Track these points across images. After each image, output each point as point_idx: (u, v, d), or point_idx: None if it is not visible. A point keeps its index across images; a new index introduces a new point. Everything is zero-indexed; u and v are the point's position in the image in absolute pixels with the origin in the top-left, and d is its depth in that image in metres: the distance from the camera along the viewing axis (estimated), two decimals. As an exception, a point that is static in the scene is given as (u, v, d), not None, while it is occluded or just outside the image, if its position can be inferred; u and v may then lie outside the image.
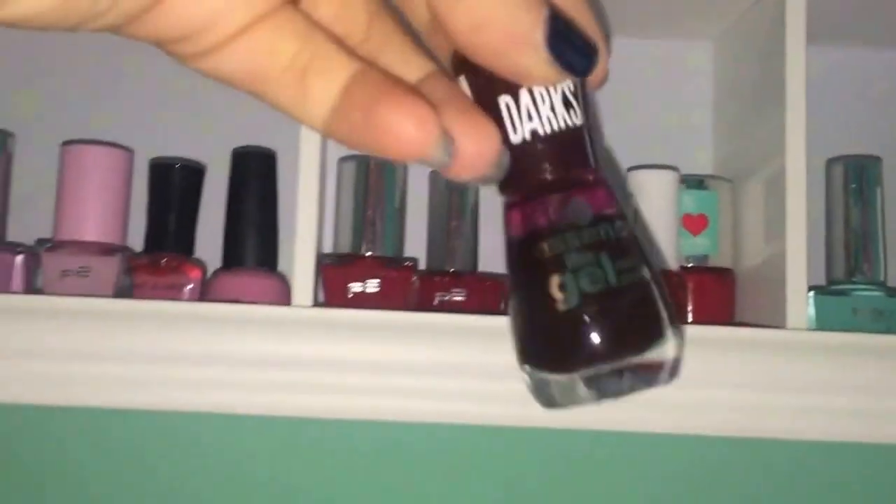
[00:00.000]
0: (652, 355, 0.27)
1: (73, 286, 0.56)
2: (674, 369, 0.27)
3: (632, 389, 0.27)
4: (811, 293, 0.57)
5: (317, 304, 0.55)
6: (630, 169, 0.59)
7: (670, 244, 0.57)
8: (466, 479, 0.59)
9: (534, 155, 0.27)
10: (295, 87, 0.25)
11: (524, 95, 0.27)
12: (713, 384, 0.55)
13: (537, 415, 0.54)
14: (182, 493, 0.57)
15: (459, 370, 0.53)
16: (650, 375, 0.27)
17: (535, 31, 0.25)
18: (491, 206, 0.62)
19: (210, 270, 0.59)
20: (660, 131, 0.65)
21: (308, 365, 0.54)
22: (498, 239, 0.62)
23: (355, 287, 0.56)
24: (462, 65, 0.27)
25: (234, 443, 0.57)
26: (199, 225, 0.58)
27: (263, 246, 0.57)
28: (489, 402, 0.54)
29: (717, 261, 0.59)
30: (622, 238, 0.27)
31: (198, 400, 0.55)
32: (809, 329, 0.55)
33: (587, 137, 0.28)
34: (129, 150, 0.58)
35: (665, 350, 0.27)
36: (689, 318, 0.57)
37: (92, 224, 0.56)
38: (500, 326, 0.53)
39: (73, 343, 0.54)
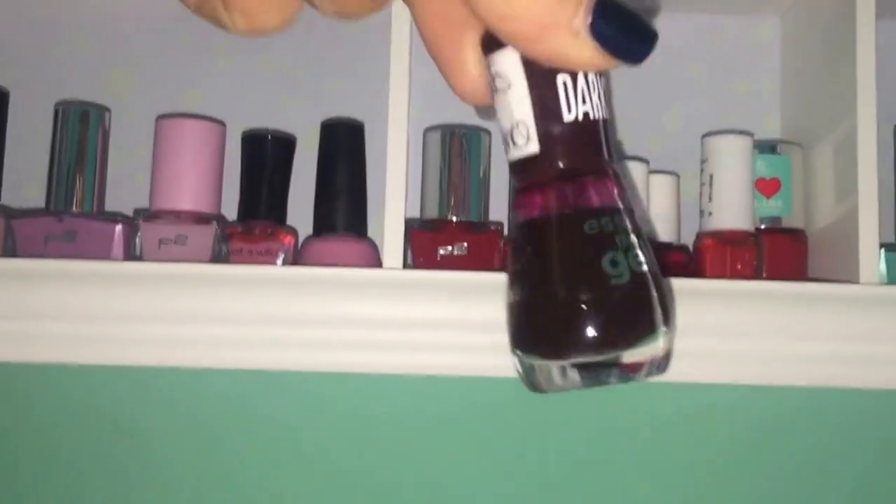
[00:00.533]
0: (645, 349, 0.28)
1: (171, 254, 0.58)
2: (662, 364, 0.28)
3: (617, 379, 0.28)
4: (882, 250, 0.59)
5: (406, 266, 0.58)
6: (705, 135, 0.60)
7: (744, 205, 0.59)
8: (548, 433, 0.61)
9: (583, 135, 0.28)
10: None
11: (581, 77, 0.27)
12: (789, 337, 0.57)
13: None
14: (296, 452, 0.59)
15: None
16: (637, 368, 0.28)
17: (573, 18, 0.25)
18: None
19: (301, 238, 0.61)
20: (730, 102, 0.66)
21: (400, 325, 0.56)
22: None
23: (443, 251, 0.58)
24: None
25: (330, 401, 0.59)
26: (290, 194, 0.61)
27: (353, 213, 0.60)
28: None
29: (789, 222, 0.61)
30: (641, 231, 0.28)
31: (294, 360, 0.57)
32: (882, 284, 0.57)
33: (610, 134, 0.29)
34: (221, 123, 0.60)
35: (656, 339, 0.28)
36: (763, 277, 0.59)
37: (187, 194, 0.59)
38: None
39: (173, 307, 0.56)
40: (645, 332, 0.28)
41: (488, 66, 0.28)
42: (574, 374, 0.28)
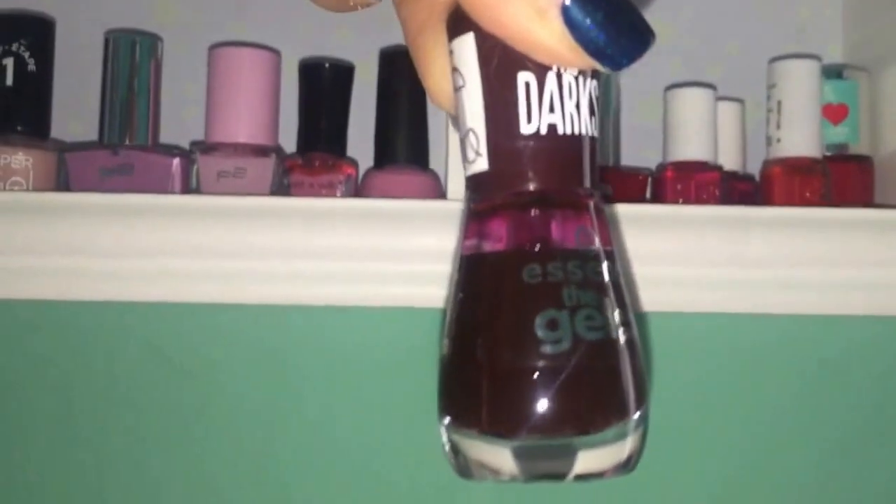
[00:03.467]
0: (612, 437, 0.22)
1: (230, 187, 0.57)
2: (630, 460, 0.23)
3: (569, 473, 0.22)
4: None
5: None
6: (772, 60, 0.59)
7: (813, 132, 0.58)
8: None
9: (544, 154, 0.22)
10: None
11: (551, 80, 0.21)
12: (854, 264, 0.56)
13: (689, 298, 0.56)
14: (349, 391, 0.59)
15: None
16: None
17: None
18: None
19: (362, 170, 0.60)
20: (792, 26, 0.65)
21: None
22: (638, 131, 0.63)
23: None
24: (465, 22, 0.22)
25: (397, 337, 0.59)
26: (349, 125, 0.59)
27: (414, 144, 0.58)
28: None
29: (856, 149, 0.60)
30: (620, 284, 0.23)
31: (358, 294, 0.56)
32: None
33: (597, 154, 0.23)
34: (276, 52, 0.59)
35: (624, 434, 0.22)
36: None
37: (245, 126, 0.57)
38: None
39: (235, 242, 0.55)
40: (591, 420, 0.22)
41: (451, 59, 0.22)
42: (507, 459, 0.22)
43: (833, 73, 0.60)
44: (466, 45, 0.22)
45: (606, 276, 0.22)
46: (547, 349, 0.21)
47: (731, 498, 0.59)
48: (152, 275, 0.56)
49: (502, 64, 0.21)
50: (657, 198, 0.59)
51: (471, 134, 0.22)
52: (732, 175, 0.59)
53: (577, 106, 0.22)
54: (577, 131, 0.22)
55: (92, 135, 0.58)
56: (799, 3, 0.65)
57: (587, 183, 0.22)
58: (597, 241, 0.22)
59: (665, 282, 0.55)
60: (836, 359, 0.58)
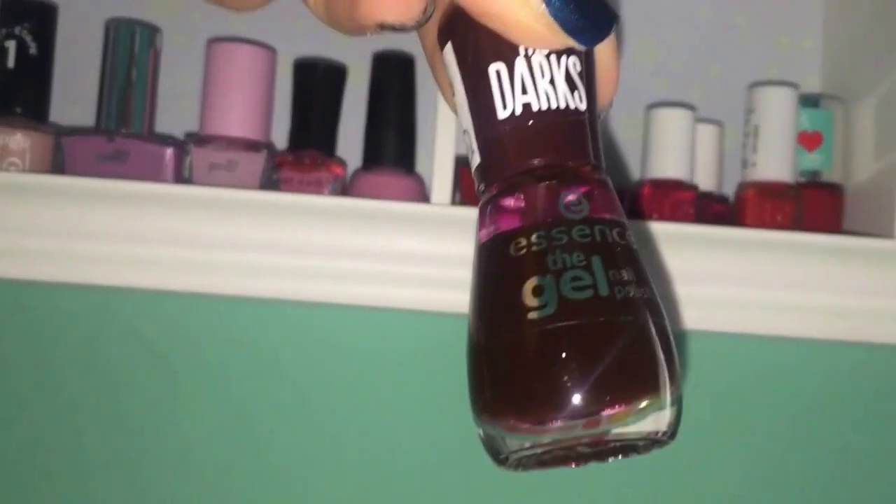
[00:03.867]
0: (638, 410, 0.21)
1: (221, 179, 0.58)
2: (667, 433, 0.22)
3: (602, 455, 0.22)
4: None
5: (454, 203, 0.58)
6: (752, 86, 0.61)
7: (788, 158, 0.60)
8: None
9: (524, 134, 0.22)
10: None
11: (520, 64, 0.22)
12: (821, 289, 0.58)
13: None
14: (326, 387, 0.60)
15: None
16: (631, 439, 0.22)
17: None
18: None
19: (350, 170, 0.61)
20: (772, 53, 0.67)
21: (445, 261, 0.57)
22: (619, 146, 0.64)
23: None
24: (450, 28, 0.23)
25: (370, 337, 0.60)
26: (340, 126, 0.61)
27: (402, 147, 0.60)
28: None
29: (829, 176, 0.62)
30: (623, 246, 0.22)
31: (336, 292, 0.58)
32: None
33: (589, 128, 0.23)
34: (272, 50, 0.60)
35: (659, 407, 0.22)
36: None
37: (239, 121, 0.59)
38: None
39: (223, 233, 0.57)
40: (599, 392, 0.21)
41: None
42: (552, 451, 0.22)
43: (810, 101, 0.62)
44: (449, 54, 0.23)
45: (599, 238, 0.22)
46: (534, 315, 0.21)
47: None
48: (140, 261, 0.57)
49: (475, 61, 0.23)
50: (633, 213, 0.61)
51: (465, 135, 0.23)
52: (707, 195, 0.61)
53: (552, 82, 0.22)
54: (553, 105, 0.22)
55: (89, 120, 0.60)
56: (780, 32, 0.67)
57: (578, 153, 0.23)
58: (587, 206, 0.22)
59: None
60: (793, 381, 0.60)
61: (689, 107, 0.61)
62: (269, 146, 0.60)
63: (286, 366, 0.60)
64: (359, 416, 0.60)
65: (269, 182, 0.59)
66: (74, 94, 0.62)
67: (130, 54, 0.59)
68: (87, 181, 0.56)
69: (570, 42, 0.22)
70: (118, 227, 0.57)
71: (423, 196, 0.60)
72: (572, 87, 0.23)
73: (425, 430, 0.60)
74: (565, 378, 0.21)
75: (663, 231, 0.57)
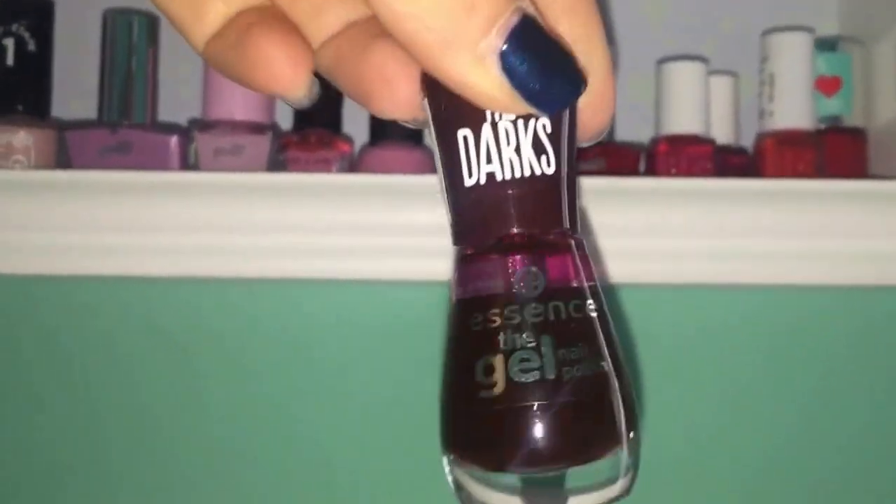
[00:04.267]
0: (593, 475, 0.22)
1: (228, 163, 0.58)
2: (624, 487, 0.23)
3: None
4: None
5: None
6: (765, 32, 0.59)
7: (806, 104, 0.58)
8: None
9: (486, 203, 0.22)
10: (190, 3, 0.23)
11: (486, 130, 0.22)
12: (847, 235, 0.56)
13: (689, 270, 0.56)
14: (345, 363, 0.60)
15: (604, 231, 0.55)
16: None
17: (479, 38, 0.20)
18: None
19: (357, 146, 0.60)
20: (784, 1, 0.65)
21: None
22: (631, 106, 0.63)
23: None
24: (424, 85, 0.22)
25: (387, 311, 0.59)
26: (345, 102, 0.60)
27: (408, 120, 0.59)
28: (635, 260, 0.56)
29: (850, 121, 0.60)
30: (579, 321, 0.23)
31: (352, 268, 0.57)
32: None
33: (561, 190, 0.23)
34: (271, 30, 0.59)
35: (608, 477, 0.22)
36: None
37: (242, 104, 0.58)
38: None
39: (232, 217, 0.56)
40: (612, 439, 0.22)
41: None
42: (514, 497, 0.23)
43: (827, 45, 0.60)
44: (425, 110, 0.23)
45: (552, 316, 0.22)
46: (482, 394, 0.22)
47: (702, 472, 0.60)
48: (151, 250, 0.57)
49: (445, 124, 0.22)
50: (650, 171, 0.59)
51: (440, 195, 0.23)
52: (725, 148, 0.59)
53: (518, 149, 0.22)
54: (518, 174, 0.22)
55: (91, 114, 0.59)
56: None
57: (544, 220, 0.22)
58: (544, 282, 0.22)
59: (656, 254, 0.56)
60: (826, 328, 0.59)
61: (701, 59, 0.59)
62: (273, 127, 0.59)
63: (304, 344, 0.59)
64: (380, 392, 0.59)
65: (276, 163, 0.58)
66: (75, 88, 0.62)
67: (129, 44, 0.58)
68: (93, 174, 0.56)
69: (531, 110, 0.21)
70: (127, 217, 0.56)
71: (432, 168, 0.59)
72: (540, 151, 0.22)
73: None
74: (508, 455, 0.22)
75: (682, 187, 0.55)
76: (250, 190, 0.56)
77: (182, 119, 0.62)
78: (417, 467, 0.59)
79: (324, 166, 0.58)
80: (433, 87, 0.22)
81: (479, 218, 0.22)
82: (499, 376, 0.22)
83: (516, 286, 0.22)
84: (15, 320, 0.59)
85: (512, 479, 0.22)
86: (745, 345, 0.59)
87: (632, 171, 0.59)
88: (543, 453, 0.22)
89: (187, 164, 0.58)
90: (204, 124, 0.58)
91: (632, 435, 0.23)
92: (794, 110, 0.58)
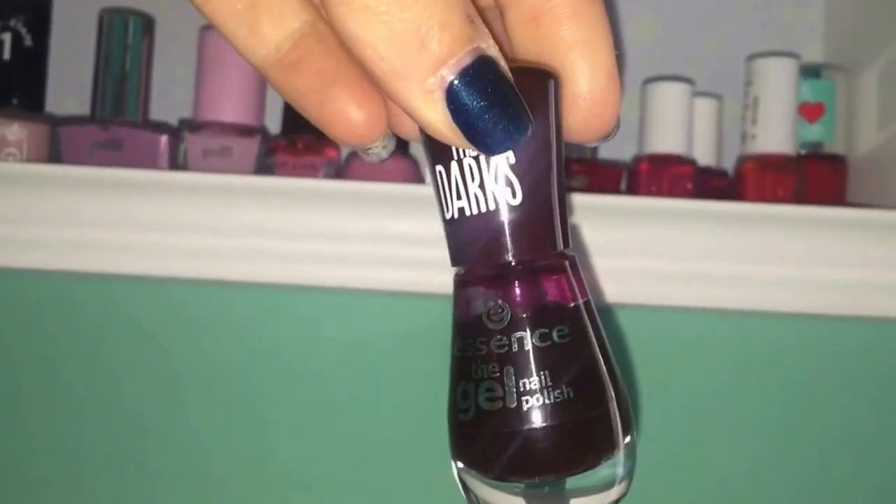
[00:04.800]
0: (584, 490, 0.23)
1: (216, 165, 0.59)
2: (624, 481, 0.24)
3: None
4: (923, 180, 0.59)
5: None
6: (750, 57, 0.60)
7: (788, 129, 0.59)
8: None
9: (461, 236, 0.23)
10: (242, 16, 0.24)
11: (454, 167, 0.23)
12: (823, 263, 0.57)
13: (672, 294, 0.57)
14: (328, 371, 0.60)
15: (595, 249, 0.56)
16: None
17: (427, 74, 0.21)
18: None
19: (344, 153, 0.61)
20: (774, 25, 0.66)
21: (443, 242, 0.57)
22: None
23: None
24: None
25: (368, 320, 0.60)
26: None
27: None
28: (630, 281, 0.56)
29: (831, 148, 0.61)
30: (542, 350, 0.23)
31: (334, 275, 0.58)
32: (922, 213, 0.57)
33: (530, 218, 0.23)
34: (265, 35, 0.60)
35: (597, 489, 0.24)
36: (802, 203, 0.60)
37: (232, 107, 0.59)
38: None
39: (219, 218, 0.57)
40: (608, 446, 0.23)
41: None
42: (519, 498, 0.24)
43: (811, 72, 0.61)
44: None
45: (515, 347, 0.23)
46: (461, 417, 0.23)
47: (696, 489, 0.60)
48: (138, 248, 0.57)
49: (427, 158, 0.23)
50: (632, 190, 0.60)
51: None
52: (706, 170, 0.60)
53: (482, 185, 0.23)
54: (483, 209, 0.23)
55: (84, 110, 0.60)
56: (781, 2, 0.66)
57: (513, 249, 0.23)
58: (509, 313, 0.23)
59: (636, 274, 0.57)
60: (797, 355, 0.59)
61: (687, 81, 0.60)
62: (262, 131, 0.60)
63: (285, 350, 0.60)
64: (364, 401, 0.60)
65: (264, 166, 0.59)
66: (69, 84, 0.63)
67: (124, 43, 0.59)
68: (83, 169, 0.57)
69: (472, 148, 0.22)
70: (115, 214, 0.57)
71: (417, 177, 0.60)
72: (505, 184, 0.23)
73: (432, 413, 0.60)
74: (498, 468, 0.23)
75: (661, 207, 0.56)
76: (237, 192, 0.57)
77: (173, 119, 0.63)
78: (402, 468, 0.60)
79: (311, 171, 0.59)
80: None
81: (458, 247, 0.24)
82: (471, 403, 0.23)
83: (484, 318, 0.23)
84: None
85: (513, 484, 0.24)
86: (715, 368, 0.60)
87: (614, 189, 0.60)
88: (518, 471, 0.23)
89: (176, 163, 0.59)
90: (194, 125, 0.59)
91: (629, 439, 0.24)
92: (776, 135, 0.59)
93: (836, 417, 0.60)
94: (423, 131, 0.23)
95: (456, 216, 0.23)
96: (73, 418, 0.60)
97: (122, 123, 0.59)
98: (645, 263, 0.56)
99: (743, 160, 0.60)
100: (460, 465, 0.25)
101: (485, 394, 0.23)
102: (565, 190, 0.24)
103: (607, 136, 0.25)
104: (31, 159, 0.58)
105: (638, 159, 0.60)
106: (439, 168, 0.23)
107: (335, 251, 0.57)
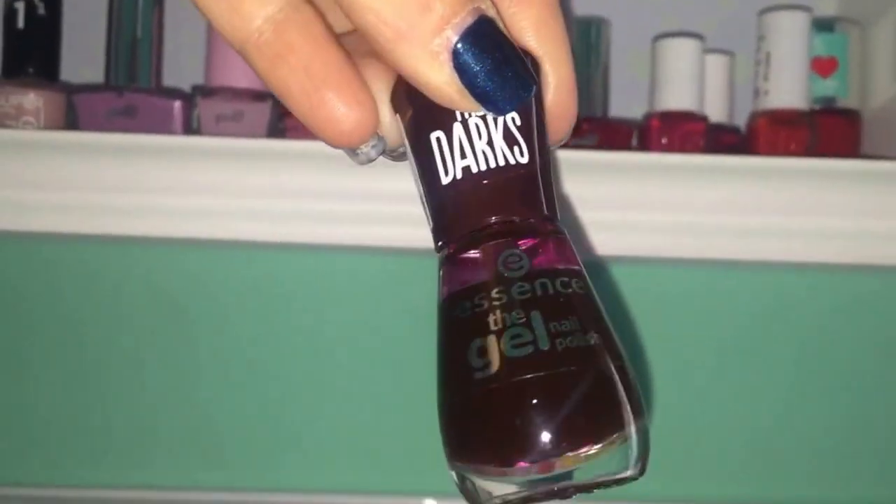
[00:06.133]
0: (601, 450, 0.22)
1: (229, 129, 0.59)
2: (638, 466, 0.23)
3: (577, 490, 0.22)
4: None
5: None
6: (762, 12, 0.60)
7: (801, 84, 0.59)
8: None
9: (465, 197, 0.23)
10: None
11: (457, 129, 0.23)
12: (838, 214, 0.56)
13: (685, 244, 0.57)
14: (345, 333, 0.61)
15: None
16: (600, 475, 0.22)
17: (432, 36, 0.21)
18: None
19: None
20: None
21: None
22: (627, 83, 0.63)
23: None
24: (396, 101, 0.23)
25: (385, 278, 0.61)
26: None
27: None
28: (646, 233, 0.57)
29: (845, 102, 0.60)
30: (566, 296, 0.23)
31: (351, 234, 0.58)
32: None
33: (537, 178, 0.23)
34: None
35: (621, 449, 0.22)
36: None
37: (243, 71, 0.59)
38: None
39: (232, 181, 0.58)
40: (618, 426, 0.22)
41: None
42: (521, 490, 0.22)
43: (824, 26, 0.60)
44: (399, 125, 0.23)
45: (539, 292, 0.23)
46: (477, 375, 0.22)
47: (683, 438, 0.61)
48: (154, 211, 0.58)
49: (417, 130, 0.23)
50: (643, 147, 0.60)
51: (420, 201, 0.24)
52: (718, 126, 0.60)
53: (490, 142, 0.23)
54: (493, 165, 0.23)
55: (98, 78, 0.61)
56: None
57: (523, 207, 0.23)
58: (528, 262, 0.23)
59: (645, 227, 0.57)
60: (813, 305, 0.59)
61: (698, 37, 0.60)
62: (274, 96, 0.60)
63: (300, 309, 0.61)
64: (369, 355, 0.61)
65: (276, 130, 0.60)
66: (83, 52, 0.63)
67: (135, 11, 0.60)
68: (99, 136, 0.58)
69: (480, 108, 0.22)
70: (131, 179, 0.58)
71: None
72: (512, 142, 0.23)
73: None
74: (515, 432, 0.22)
75: (672, 163, 0.56)
76: (251, 155, 0.57)
77: (185, 85, 0.63)
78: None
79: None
80: (403, 97, 0.23)
81: (459, 211, 0.23)
82: (493, 355, 0.22)
83: (500, 268, 0.23)
84: (21, 272, 0.61)
85: (515, 480, 0.22)
86: (730, 320, 0.60)
87: (624, 147, 0.60)
88: (548, 433, 0.22)
89: (190, 128, 0.60)
90: (206, 91, 0.59)
91: (638, 415, 0.23)
92: (788, 90, 0.58)
93: (855, 367, 0.60)
94: (402, 111, 0.23)
95: (459, 175, 0.23)
96: (88, 381, 0.61)
97: (135, 90, 0.60)
98: (656, 218, 0.56)
99: (755, 116, 0.59)
100: (463, 461, 0.23)
101: (511, 341, 0.22)
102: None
103: (563, 140, 0.25)
104: (47, 127, 0.59)
105: (649, 116, 0.60)
106: (436, 134, 0.23)
107: (352, 211, 0.58)
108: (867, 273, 0.59)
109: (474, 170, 0.23)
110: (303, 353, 0.61)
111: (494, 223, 0.23)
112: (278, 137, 0.59)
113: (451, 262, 0.24)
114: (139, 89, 0.60)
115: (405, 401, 0.60)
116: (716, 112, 0.60)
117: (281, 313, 0.61)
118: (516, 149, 0.23)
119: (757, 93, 0.59)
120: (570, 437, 0.22)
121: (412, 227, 0.59)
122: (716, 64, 0.60)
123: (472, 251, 0.23)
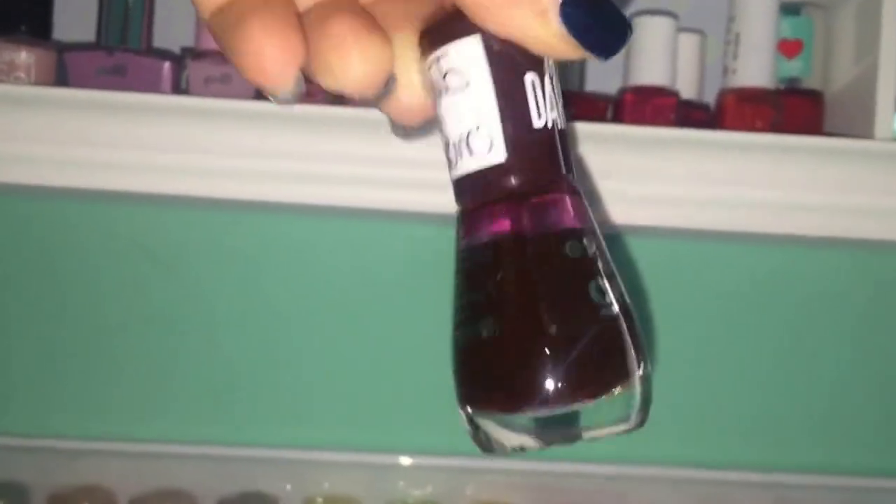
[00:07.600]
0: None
1: (216, 92, 0.61)
2: (641, 412, 0.24)
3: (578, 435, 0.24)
4: (896, 112, 0.61)
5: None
6: (732, -7, 0.62)
7: (767, 64, 0.61)
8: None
9: (548, 145, 0.24)
10: None
11: (547, 81, 0.24)
12: (800, 188, 0.59)
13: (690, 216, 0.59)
14: (350, 294, 0.63)
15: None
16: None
17: None
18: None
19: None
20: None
21: (438, 164, 0.59)
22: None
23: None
24: (431, 40, 0.24)
25: (369, 240, 0.63)
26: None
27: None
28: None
29: (809, 83, 0.63)
30: (601, 251, 0.25)
31: (333, 195, 0.60)
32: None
33: (567, 140, 0.25)
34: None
35: (628, 396, 0.24)
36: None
37: (233, 35, 0.61)
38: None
39: (219, 140, 0.59)
40: (623, 373, 0.24)
41: (431, 66, 0.24)
42: (530, 436, 0.24)
43: (791, 9, 0.63)
44: (470, 50, 0.24)
45: (595, 248, 0.25)
46: (603, 312, 0.23)
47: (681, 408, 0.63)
48: (141, 168, 0.60)
49: (511, 66, 0.24)
50: (617, 120, 0.62)
51: (480, 129, 0.24)
52: (688, 103, 0.63)
53: (556, 99, 0.25)
54: (561, 125, 0.24)
55: (90, 37, 0.63)
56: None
57: (566, 166, 0.25)
58: (594, 221, 0.25)
59: (618, 196, 0.59)
60: (770, 276, 0.62)
61: (670, 14, 0.62)
62: (262, 59, 0.62)
63: (282, 268, 0.63)
64: (366, 315, 0.62)
65: (263, 94, 0.61)
66: (75, 12, 0.65)
67: (129, -28, 0.61)
68: (89, 93, 0.59)
69: (587, 57, 0.24)
70: (119, 136, 0.59)
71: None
72: (554, 104, 0.25)
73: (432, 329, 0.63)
74: (527, 392, 0.23)
75: (643, 135, 0.58)
76: (237, 116, 0.59)
77: (175, 47, 0.65)
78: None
79: (309, 98, 0.61)
80: (450, 39, 0.24)
81: (544, 157, 0.24)
82: (611, 297, 0.24)
83: (582, 220, 0.24)
84: (9, 224, 0.63)
85: (526, 419, 0.23)
86: (692, 291, 0.62)
87: (599, 120, 0.63)
88: (613, 372, 0.24)
89: (179, 89, 0.61)
90: (196, 53, 0.61)
91: (643, 369, 0.24)
92: (756, 69, 0.61)
93: (810, 338, 0.63)
94: (491, 46, 0.24)
95: (549, 125, 0.24)
96: (73, 336, 0.63)
97: (126, 50, 0.61)
98: (627, 188, 0.59)
99: (723, 93, 0.62)
100: (477, 403, 0.24)
101: (619, 288, 0.24)
102: None
103: (410, 132, 0.26)
104: (38, 83, 0.61)
105: (623, 90, 0.62)
106: (532, 77, 0.24)
107: (331, 173, 0.60)
108: (829, 245, 0.62)
109: (559, 125, 0.24)
110: (285, 312, 0.63)
111: (568, 178, 0.25)
112: (265, 100, 0.61)
113: (540, 196, 0.24)
114: (129, 49, 0.61)
115: (385, 360, 0.62)
116: (687, 89, 0.63)
117: (263, 273, 0.63)
118: (556, 110, 0.25)
119: (726, 71, 0.62)
120: (589, 381, 0.23)
121: (401, 190, 0.61)
122: (688, 43, 0.63)
123: (568, 196, 0.24)
